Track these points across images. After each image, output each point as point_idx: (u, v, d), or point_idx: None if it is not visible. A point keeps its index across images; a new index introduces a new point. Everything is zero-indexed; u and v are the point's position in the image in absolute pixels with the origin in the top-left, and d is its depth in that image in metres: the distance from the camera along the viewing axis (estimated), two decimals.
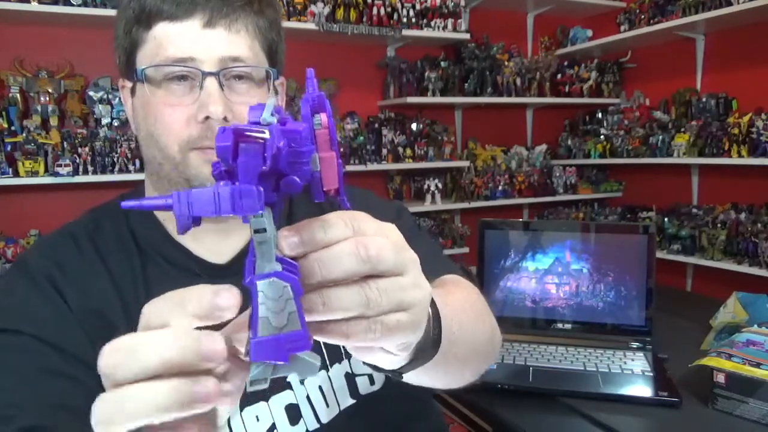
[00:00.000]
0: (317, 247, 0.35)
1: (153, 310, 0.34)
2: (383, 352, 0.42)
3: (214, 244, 0.72)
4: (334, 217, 0.36)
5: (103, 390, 0.38)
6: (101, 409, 0.33)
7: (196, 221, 0.31)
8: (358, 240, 0.36)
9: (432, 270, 0.53)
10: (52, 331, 0.63)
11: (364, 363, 0.47)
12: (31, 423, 0.56)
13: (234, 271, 0.70)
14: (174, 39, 0.63)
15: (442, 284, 0.72)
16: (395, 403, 0.75)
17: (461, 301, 0.66)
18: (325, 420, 0.71)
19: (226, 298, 0.33)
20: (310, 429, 0.70)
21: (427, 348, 0.49)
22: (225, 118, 0.64)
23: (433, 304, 0.50)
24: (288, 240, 0.35)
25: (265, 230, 0.31)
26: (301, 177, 0.32)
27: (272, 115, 0.31)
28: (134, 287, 0.68)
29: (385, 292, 0.36)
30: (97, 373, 0.40)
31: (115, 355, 0.32)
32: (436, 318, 0.51)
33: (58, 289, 0.65)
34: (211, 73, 0.63)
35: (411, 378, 0.52)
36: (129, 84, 0.70)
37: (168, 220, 0.73)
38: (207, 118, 0.63)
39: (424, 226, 2.96)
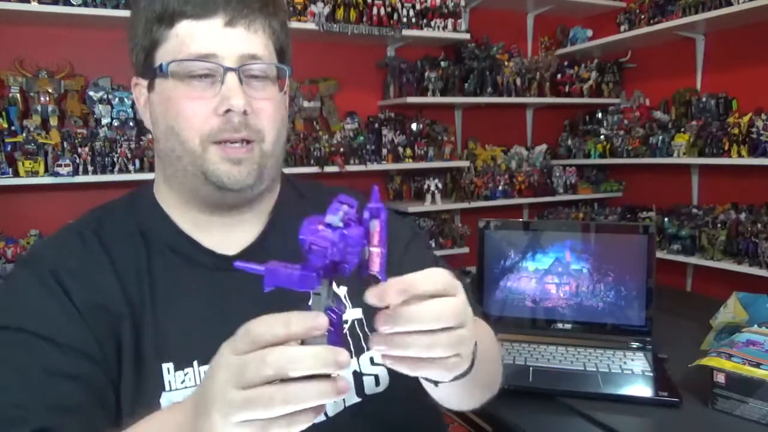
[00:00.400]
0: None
1: (263, 326, 0.44)
2: (438, 372, 0.52)
3: (221, 236, 0.75)
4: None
5: (105, 381, 0.61)
6: (255, 396, 0.43)
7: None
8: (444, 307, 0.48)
9: None
10: (56, 328, 0.64)
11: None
12: (41, 425, 0.58)
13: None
14: (197, 36, 0.67)
15: (474, 322, 0.77)
16: (398, 405, 0.77)
17: (485, 342, 0.73)
18: (330, 413, 0.73)
19: (320, 323, 0.43)
20: (316, 421, 0.70)
21: (465, 370, 0.58)
22: (245, 112, 0.68)
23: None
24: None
25: (319, 294, 0.45)
26: (350, 264, 0.45)
27: (341, 220, 0.45)
28: (138, 278, 0.70)
29: (450, 343, 0.49)
30: (101, 368, 0.60)
31: (281, 359, 0.43)
32: (475, 344, 0.60)
33: (63, 285, 0.67)
34: (232, 69, 0.67)
35: (440, 391, 0.63)
36: (144, 81, 0.73)
37: (179, 214, 0.76)
38: (227, 111, 0.67)
39: (424, 226, 2.97)
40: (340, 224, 0.45)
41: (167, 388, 0.67)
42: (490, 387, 0.78)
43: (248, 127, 0.69)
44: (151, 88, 0.72)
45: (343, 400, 0.74)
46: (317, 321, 0.43)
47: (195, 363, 0.68)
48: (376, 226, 0.47)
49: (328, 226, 0.44)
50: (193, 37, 0.67)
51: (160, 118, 0.71)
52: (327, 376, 0.44)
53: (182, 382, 0.68)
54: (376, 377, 0.77)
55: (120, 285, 0.69)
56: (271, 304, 0.66)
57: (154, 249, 0.73)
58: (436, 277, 0.49)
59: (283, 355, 0.43)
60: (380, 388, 0.77)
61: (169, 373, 0.67)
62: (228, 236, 0.76)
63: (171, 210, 0.76)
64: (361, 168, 2.75)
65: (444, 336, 0.48)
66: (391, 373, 0.77)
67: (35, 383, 0.61)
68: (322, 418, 0.72)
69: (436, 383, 0.60)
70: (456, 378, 0.57)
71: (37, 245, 0.76)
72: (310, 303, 0.46)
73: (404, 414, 0.79)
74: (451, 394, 0.68)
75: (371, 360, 0.77)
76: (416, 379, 0.62)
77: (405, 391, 0.73)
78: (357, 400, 0.75)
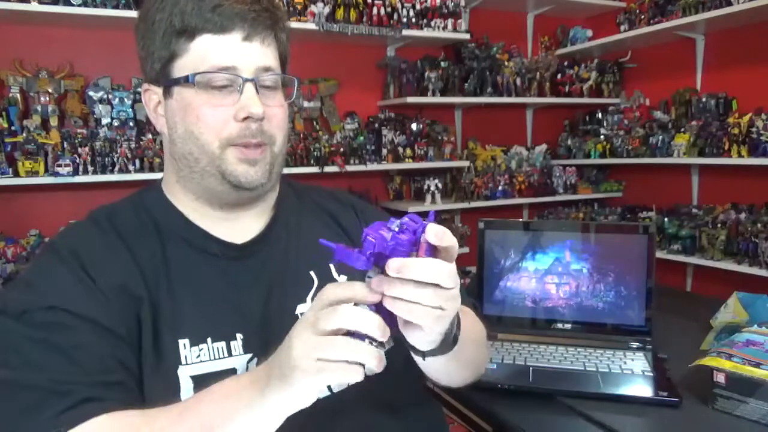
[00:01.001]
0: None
1: (336, 289, 0.59)
2: (423, 335, 0.63)
3: (229, 228, 0.82)
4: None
5: (132, 358, 0.70)
6: (326, 340, 0.57)
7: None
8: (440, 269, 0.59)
9: None
10: (86, 307, 0.69)
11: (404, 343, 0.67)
12: (87, 395, 0.64)
13: (249, 252, 0.82)
14: (218, 49, 0.74)
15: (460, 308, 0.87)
16: (394, 386, 0.80)
17: (470, 326, 0.85)
18: (335, 389, 0.79)
19: (373, 295, 0.58)
20: (321, 396, 0.78)
21: (448, 344, 0.69)
22: (261, 119, 0.76)
23: (457, 314, 0.70)
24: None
25: (370, 277, 0.59)
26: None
27: (398, 227, 0.59)
28: (154, 265, 0.76)
29: (445, 298, 0.59)
30: (128, 345, 0.71)
31: (347, 313, 0.57)
32: (458, 325, 0.71)
33: (86, 268, 0.72)
34: (250, 80, 0.75)
35: (429, 364, 0.72)
36: (156, 88, 0.79)
37: (190, 209, 0.82)
38: (246, 118, 0.75)
39: None
40: (396, 229, 0.58)
41: (183, 362, 0.73)
42: (476, 368, 0.91)
43: (263, 133, 0.77)
44: (167, 95, 0.78)
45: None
46: (371, 294, 0.58)
47: (209, 339, 0.74)
48: (425, 239, 0.59)
49: (388, 229, 0.58)
50: (214, 50, 0.74)
51: (179, 122, 0.77)
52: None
53: (197, 357, 0.73)
54: None
55: (138, 269, 0.74)
56: (273, 287, 0.81)
57: (168, 239, 0.79)
58: (450, 235, 0.60)
59: (349, 310, 0.57)
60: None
61: (185, 348, 0.73)
62: (235, 228, 0.83)
63: (182, 206, 0.82)
64: (361, 168, 2.76)
65: (431, 291, 0.58)
66: (389, 356, 0.80)
67: (73, 360, 0.65)
68: (326, 392, 0.79)
69: (423, 356, 0.69)
70: (440, 352, 0.69)
71: (57, 236, 0.81)
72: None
73: (400, 395, 0.84)
74: (439, 369, 0.81)
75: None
76: (413, 361, 0.74)
77: (401, 373, 0.78)
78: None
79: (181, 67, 0.75)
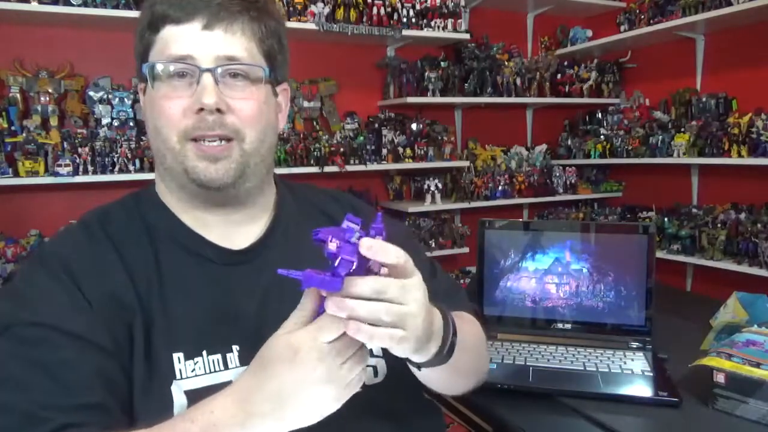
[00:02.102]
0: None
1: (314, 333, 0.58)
2: (400, 350, 0.62)
3: (224, 233, 0.79)
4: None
5: (121, 374, 0.67)
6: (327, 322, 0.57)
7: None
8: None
9: (452, 305, 0.78)
10: (70, 321, 0.66)
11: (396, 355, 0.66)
12: (65, 422, 0.61)
13: (248, 258, 0.79)
14: (176, 39, 0.71)
15: (459, 316, 0.83)
16: (396, 395, 0.80)
17: (469, 334, 0.82)
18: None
19: (337, 328, 0.58)
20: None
21: (443, 355, 0.68)
22: (218, 110, 0.71)
23: (453, 325, 0.71)
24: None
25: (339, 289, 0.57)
26: (361, 269, 0.57)
27: (357, 239, 0.56)
28: (146, 273, 0.73)
29: (389, 313, 0.57)
30: (116, 360, 0.67)
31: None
32: (454, 333, 0.70)
33: (75, 279, 0.69)
34: (207, 69, 0.71)
35: (426, 375, 0.72)
36: (142, 85, 0.77)
37: (180, 211, 0.79)
38: (201, 109, 0.71)
39: (424, 226, 2.97)
40: (357, 242, 0.56)
41: (178, 376, 0.70)
42: (475, 375, 0.88)
43: (224, 126, 0.72)
44: (144, 91, 0.77)
45: None
46: (335, 328, 0.58)
47: (204, 352, 0.71)
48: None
49: (348, 242, 0.56)
50: (173, 39, 0.71)
51: (148, 118, 0.76)
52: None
53: (192, 371, 0.70)
54: (375, 368, 0.81)
55: (130, 279, 0.72)
56: (269, 295, 0.78)
57: (161, 245, 0.76)
58: (394, 253, 0.58)
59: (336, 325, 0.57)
60: (378, 379, 0.81)
61: (179, 362, 0.70)
62: (231, 234, 0.79)
63: (174, 207, 0.79)
64: (361, 168, 2.75)
65: (383, 306, 0.57)
66: (389, 365, 0.82)
67: (55, 379, 0.63)
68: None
69: (418, 367, 0.69)
70: (436, 362, 0.68)
71: (46, 244, 0.79)
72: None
73: (401, 404, 0.83)
74: (439, 379, 0.78)
75: (370, 351, 0.80)
76: (411, 373, 0.73)
77: (402, 382, 0.78)
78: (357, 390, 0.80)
79: (149, 61, 0.74)
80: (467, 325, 0.85)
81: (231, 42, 0.72)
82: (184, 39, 0.71)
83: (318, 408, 0.59)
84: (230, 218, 0.79)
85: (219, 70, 0.71)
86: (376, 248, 0.56)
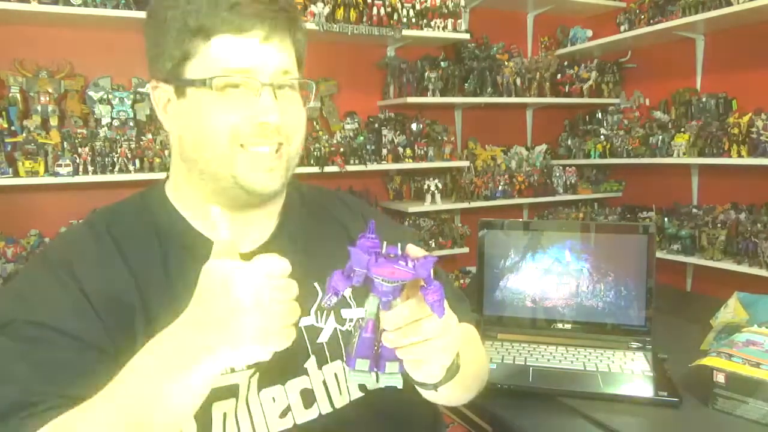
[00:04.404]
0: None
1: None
2: (429, 368, 0.68)
3: (234, 234, 0.79)
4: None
5: (118, 372, 0.64)
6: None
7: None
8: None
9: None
10: (71, 322, 0.67)
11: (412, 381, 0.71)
12: (52, 405, 0.62)
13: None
14: (236, 51, 0.71)
15: (464, 329, 0.89)
16: (398, 400, 0.80)
17: (470, 347, 0.86)
18: (338, 405, 0.80)
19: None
20: (323, 413, 0.79)
21: (453, 370, 0.72)
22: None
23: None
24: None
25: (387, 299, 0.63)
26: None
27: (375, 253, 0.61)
28: (153, 274, 0.74)
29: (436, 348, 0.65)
30: (114, 360, 0.66)
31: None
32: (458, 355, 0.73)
33: (77, 279, 0.70)
34: (268, 84, 0.72)
35: (435, 393, 0.74)
36: (167, 87, 0.75)
37: (191, 213, 0.79)
38: (261, 123, 0.72)
39: (424, 225, 2.97)
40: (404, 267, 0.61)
41: None
42: (477, 386, 0.91)
43: (279, 135, 0.74)
44: (180, 95, 0.75)
45: (349, 393, 0.81)
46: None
47: None
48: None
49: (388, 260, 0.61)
50: (232, 51, 0.71)
51: (192, 124, 0.74)
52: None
53: None
54: (377, 374, 0.80)
55: (133, 279, 0.72)
56: None
57: (169, 246, 0.76)
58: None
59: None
60: (381, 384, 0.80)
61: None
62: (239, 236, 0.79)
63: (186, 209, 0.80)
64: (361, 168, 2.75)
65: (437, 342, 0.64)
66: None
67: (47, 375, 0.64)
68: (328, 409, 0.79)
69: (435, 388, 0.72)
70: (448, 379, 0.70)
71: (50, 243, 0.81)
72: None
73: (404, 409, 0.83)
74: (448, 396, 0.81)
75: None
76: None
77: (404, 388, 0.77)
78: (360, 395, 0.82)
79: (195, 68, 0.72)
80: (468, 338, 0.89)
81: (284, 55, 0.74)
82: (244, 51, 0.71)
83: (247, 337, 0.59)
84: (246, 218, 0.80)
85: (277, 83, 0.73)
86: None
